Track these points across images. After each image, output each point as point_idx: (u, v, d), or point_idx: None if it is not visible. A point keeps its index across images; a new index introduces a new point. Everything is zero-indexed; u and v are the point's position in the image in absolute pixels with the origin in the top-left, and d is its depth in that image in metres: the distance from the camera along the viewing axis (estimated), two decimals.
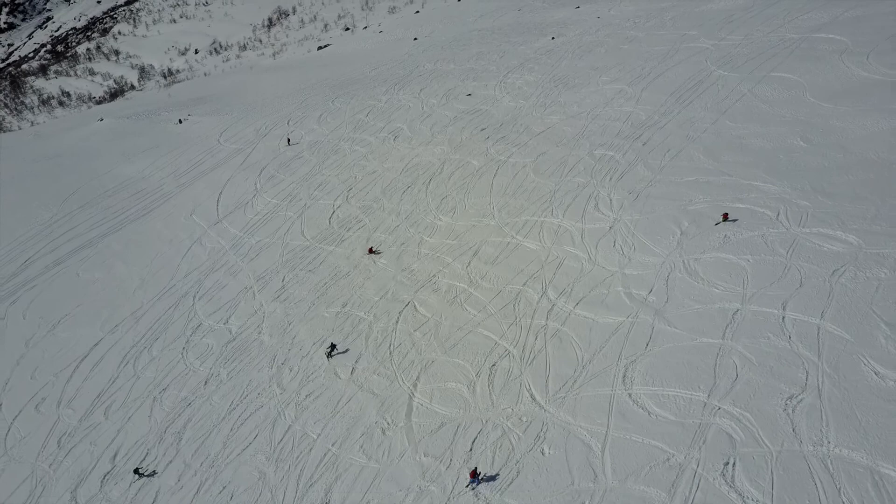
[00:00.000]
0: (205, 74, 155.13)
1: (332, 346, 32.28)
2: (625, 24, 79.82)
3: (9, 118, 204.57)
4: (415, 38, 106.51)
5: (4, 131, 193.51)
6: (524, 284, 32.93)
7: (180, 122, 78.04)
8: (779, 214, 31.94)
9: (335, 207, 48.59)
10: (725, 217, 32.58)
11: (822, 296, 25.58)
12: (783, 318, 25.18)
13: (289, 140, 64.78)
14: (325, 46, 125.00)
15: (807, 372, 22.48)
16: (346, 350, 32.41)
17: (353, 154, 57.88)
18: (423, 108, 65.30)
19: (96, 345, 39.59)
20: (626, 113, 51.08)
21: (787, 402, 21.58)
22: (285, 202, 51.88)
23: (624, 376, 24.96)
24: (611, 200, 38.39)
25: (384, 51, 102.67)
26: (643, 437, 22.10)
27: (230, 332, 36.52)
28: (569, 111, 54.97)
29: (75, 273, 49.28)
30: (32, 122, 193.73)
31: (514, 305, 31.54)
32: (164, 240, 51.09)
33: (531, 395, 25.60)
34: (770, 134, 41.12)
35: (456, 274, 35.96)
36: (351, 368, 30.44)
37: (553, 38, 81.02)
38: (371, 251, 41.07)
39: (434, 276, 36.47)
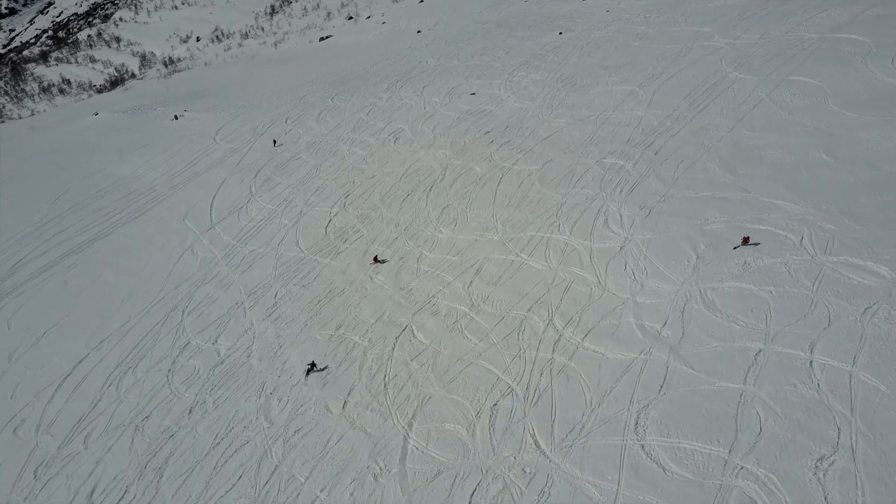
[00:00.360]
0: (205, 64, 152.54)
1: (312, 365, 31.14)
2: (635, 20, 77.22)
3: (9, 105, 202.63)
4: (418, 31, 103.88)
5: (4, 119, 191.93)
6: (529, 310, 30.91)
7: (176, 118, 75.95)
8: (802, 239, 29.82)
9: (332, 215, 46.56)
10: (746, 241, 30.44)
11: (854, 338, 23.53)
12: (811, 362, 23.16)
13: (274, 141, 63.08)
14: (327, 38, 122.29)
15: (839, 428, 20.49)
16: (325, 367, 31.11)
17: (352, 156, 55.77)
18: (425, 108, 63.04)
19: (80, 362, 37.76)
20: (636, 118, 48.82)
21: (818, 464, 19.61)
22: (280, 208, 49.88)
23: (636, 423, 23.01)
24: (621, 216, 36.27)
25: (387, 44, 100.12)
26: (658, 499, 20.17)
27: (218, 354, 34.64)
28: (577, 114, 52.69)
29: (63, 281, 47.42)
30: (33, 111, 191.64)
31: (518, 334, 29.54)
32: (155, 246, 49.16)
33: (535, 442, 23.67)
34: (790, 145, 38.89)
35: (456, 295, 33.97)
36: (343, 402, 28.53)
37: (561, 34, 78.48)
38: (376, 260, 39.20)
39: (433, 296, 34.49)
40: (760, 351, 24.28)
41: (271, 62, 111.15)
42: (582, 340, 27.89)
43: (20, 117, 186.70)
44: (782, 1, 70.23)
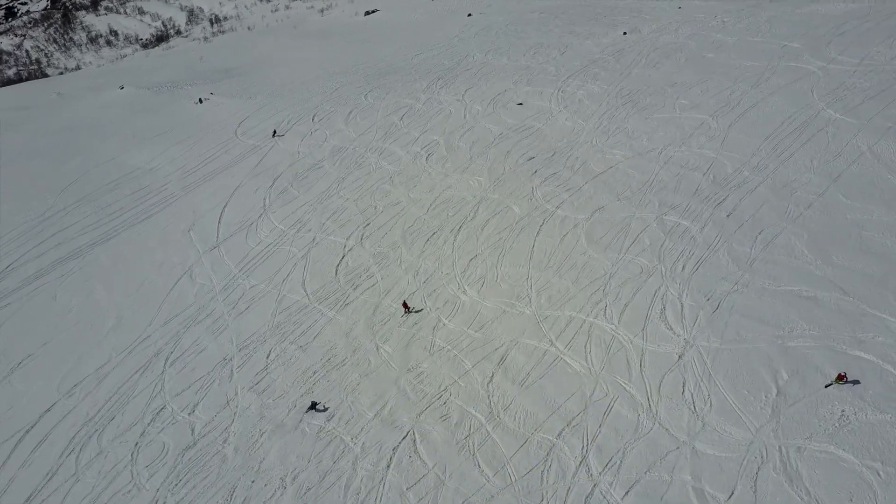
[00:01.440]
0: (248, 28, 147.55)
1: (313, 405, 29.11)
2: (711, 23, 68.71)
3: (56, 55, 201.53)
4: (469, 14, 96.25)
5: (51, 68, 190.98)
6: (559, 435, 25.05)
7: (200, 101, 70.96)
8: None
9: (346, 250, 41.06)
10: (842, 378, 23.87)
11: None
12: None
13: (274, 132, 59.50)
14: (373, 12, 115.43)
15: None
16: (327, 408, 28.66)
17: (379, 172, 49.92)
18: (465, 117, 56.55)
19: (48, 410, 33.50)
20: (707, 160, 41.73)
21: None
22: (292, 230, 44.58)
23: None
24: (682, 307, 29.83)
25: (433, 27, 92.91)
26: None
27: (192, 432, 29.73)
28: (636, 145, 45.72)
29: (53, 294, 43.24)
30: (79, 63, 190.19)
31: (542, 472, 23.78)
32: (154, 262, 44.56)
33: None
34: None
35: (473, 394, 28.22)
36: None
37: (625, 34, 70.42)
38: (406, 307, 34.16)
39: (445, 389, 28.82)
40: None
41: (312, 36, 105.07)
42: (621, 500, 21.98)
43: (66, 68, 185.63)
44: (887, 13, 61.09)
